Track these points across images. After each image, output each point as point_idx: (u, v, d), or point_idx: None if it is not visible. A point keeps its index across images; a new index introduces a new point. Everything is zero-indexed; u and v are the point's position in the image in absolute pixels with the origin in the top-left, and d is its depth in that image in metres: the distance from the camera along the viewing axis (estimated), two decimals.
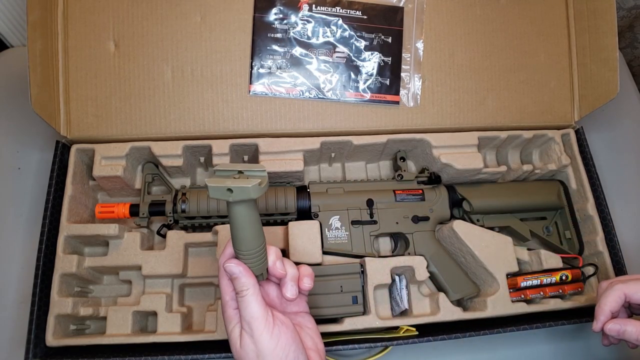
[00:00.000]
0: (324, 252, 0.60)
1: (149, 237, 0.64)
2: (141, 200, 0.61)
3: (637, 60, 0.96)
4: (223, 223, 0.61)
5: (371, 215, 0.63)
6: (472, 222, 0.65)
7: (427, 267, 0.61)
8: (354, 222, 0.63)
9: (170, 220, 0.61)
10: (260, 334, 0.40)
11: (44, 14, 0.60)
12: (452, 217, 0.66)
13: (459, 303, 0.61)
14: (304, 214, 0.63)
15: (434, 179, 0.67)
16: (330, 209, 0.63)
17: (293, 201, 0.62)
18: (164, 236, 0.63)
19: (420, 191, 0.66)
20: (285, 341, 0.41)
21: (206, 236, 0.61)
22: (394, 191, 0.65)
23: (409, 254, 0.62)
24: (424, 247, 0.63)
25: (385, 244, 0.68)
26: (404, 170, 0.68)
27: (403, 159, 0.69)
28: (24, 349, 0.53)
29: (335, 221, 0.62)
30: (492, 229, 0.65)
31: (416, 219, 0.64)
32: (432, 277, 0.62)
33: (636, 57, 0.96)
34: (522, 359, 0.66)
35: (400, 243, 0.65)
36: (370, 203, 0.64)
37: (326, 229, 0.62)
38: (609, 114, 0.72)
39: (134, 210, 0.61)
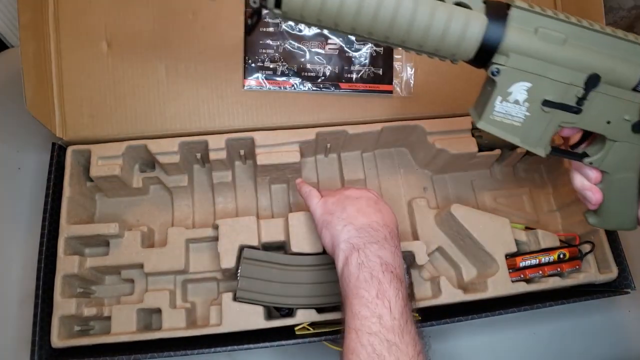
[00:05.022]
0: (478, 126, 0.41)
1: (149, 235, 0.64)
2: None
3: None
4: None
5: (580, 100, 0.39)
6: None
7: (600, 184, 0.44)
8: (546, 103, 0.39)
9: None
10: None
11: (35, 16, 0.60)
12: None
13: (459, 285, 0.62)
14: (482, 59, 0.38)
15: None
16: (525, 69, 0.38)
17: (478, 29, 0.37)
18: None
19: None
20: None
21: (207, 231, 0.61)
22: None
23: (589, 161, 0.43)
24: (618, 165, 0.43)
25: None
26: None
27: None
28: (27, 349, 0.53)
29: (520, 91, 0.39)
30: None
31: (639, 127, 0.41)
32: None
33: None
34: (522, 339, 0.67)
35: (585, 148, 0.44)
36: (592, 82, 0.39)
37: (499, 97, 0.39)
38: None
39: None
